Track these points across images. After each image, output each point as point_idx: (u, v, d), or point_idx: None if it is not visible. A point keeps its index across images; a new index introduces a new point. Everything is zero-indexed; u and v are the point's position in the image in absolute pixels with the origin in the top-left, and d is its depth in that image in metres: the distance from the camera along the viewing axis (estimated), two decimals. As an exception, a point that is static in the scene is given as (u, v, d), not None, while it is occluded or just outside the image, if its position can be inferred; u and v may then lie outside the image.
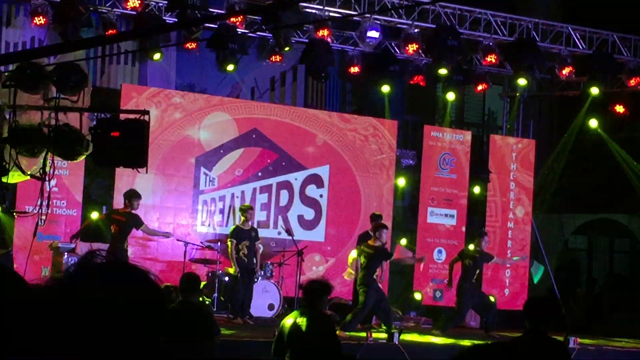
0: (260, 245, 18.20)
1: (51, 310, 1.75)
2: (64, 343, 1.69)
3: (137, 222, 17.12)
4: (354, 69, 20.62)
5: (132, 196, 17.18)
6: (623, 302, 22.96)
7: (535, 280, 19.99)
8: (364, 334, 15.43)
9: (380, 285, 17.21)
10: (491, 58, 20.73)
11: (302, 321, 9.95)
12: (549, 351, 8.21)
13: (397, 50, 20.76)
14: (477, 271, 18.34)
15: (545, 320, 8.41)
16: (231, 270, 17.73)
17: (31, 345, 1.71)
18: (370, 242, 17.25)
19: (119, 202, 18.57)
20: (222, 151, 20.02)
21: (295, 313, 10.26)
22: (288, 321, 10.11)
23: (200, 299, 11.36)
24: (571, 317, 18.71)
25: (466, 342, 16.47)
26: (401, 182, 22.06)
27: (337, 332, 15.99)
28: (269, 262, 18.94)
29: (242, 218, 18.05)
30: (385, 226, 17.70)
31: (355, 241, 19.13)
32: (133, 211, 17.09)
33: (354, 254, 17.97)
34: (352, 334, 16.13)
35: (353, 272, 17.99)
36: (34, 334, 1.73)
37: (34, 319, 1.74)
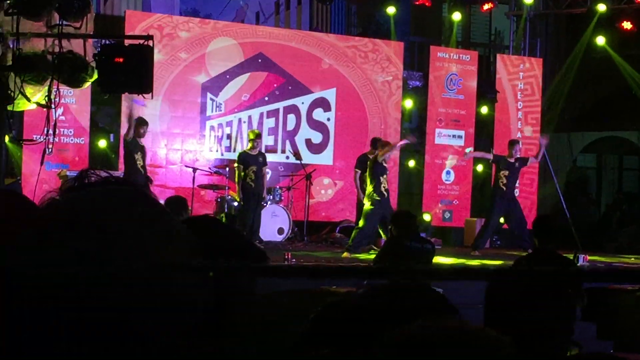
0: (267, 170, 18.21)
1: (54, 229, 1.73)
2: (69, 254, 1.68)
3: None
4: (359, -9, 20.45)
5: (139, 124, 17.18)
6: (632, 219, 22.99)
7: None
8: (372, 256, 15.03)
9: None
10: (497, -24, 20.55)
11: None
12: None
13: (402, -30, 20.58)
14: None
15: (554, 238, 8.45)
16: (236, 196, 17.77)
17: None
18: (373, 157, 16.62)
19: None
20: (227, 76, 19.94)
21: None
22: None
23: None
24: (580, 235, 18.68)
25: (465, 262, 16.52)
26: (408, 103, 21.99)
27: (343, 255, 15.95)
28: (277, 187, 18.97)
29: (250, 144, 18.00)
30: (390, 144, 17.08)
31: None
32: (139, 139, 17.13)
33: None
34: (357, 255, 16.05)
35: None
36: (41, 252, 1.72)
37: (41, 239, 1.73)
